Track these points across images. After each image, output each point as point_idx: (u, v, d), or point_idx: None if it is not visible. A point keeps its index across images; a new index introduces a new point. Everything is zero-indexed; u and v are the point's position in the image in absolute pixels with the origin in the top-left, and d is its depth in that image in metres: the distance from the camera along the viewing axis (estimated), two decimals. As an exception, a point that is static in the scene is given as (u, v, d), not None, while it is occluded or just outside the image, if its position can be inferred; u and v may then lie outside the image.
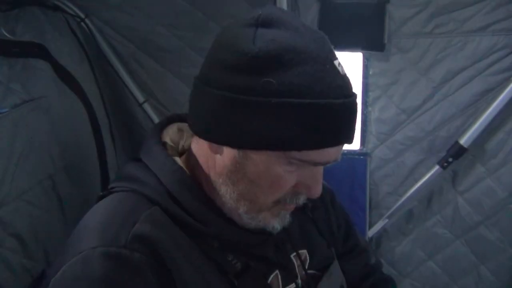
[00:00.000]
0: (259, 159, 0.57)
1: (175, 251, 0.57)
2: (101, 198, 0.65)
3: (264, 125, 0.53)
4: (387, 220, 1.56)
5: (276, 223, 0.63)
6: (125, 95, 1.57)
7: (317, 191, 0.61)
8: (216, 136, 0.58)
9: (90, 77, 1.39)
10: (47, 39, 1.19)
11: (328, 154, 0.57)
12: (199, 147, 0.65)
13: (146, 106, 1.57)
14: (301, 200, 0.63)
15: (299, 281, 0.71)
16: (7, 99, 0.99)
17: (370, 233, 1.58)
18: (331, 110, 0.54)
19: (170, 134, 0.70)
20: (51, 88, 1.17)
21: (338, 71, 0.56)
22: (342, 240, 0.87)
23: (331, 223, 0.84)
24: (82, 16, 1.40)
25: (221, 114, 0.56)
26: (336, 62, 0.56)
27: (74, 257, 0.53)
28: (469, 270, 1.49)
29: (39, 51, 1.15)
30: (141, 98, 1.56)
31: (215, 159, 0.61)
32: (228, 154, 0.59)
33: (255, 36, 0.55)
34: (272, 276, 0.67)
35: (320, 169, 0.61)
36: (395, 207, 1.53)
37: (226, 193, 0.61)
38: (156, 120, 1.58)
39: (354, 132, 0.59)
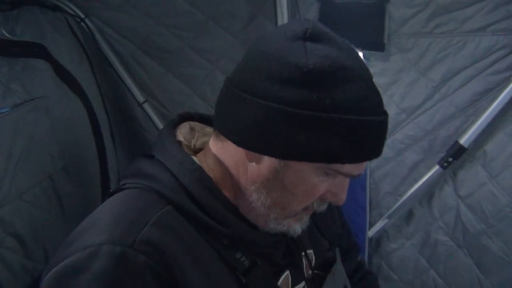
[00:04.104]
0: (299, 169, 0.58)
1: (184, 257, 0.57)
2: (111, 194, 0.65)
3: (313, 139, 0.55)
4: (387, 220, 1.56)
5: (297, 227, 0.65)
6: (125, 95, 1.57)
7: (342, 199, 0.64)
8: (258, 146, 0.58)
9: (90, 77, 1.39)
10: (47, 39, 1.19)
11: (362, 166, 0.61)
12: (226, 151, 0.64)
13: (146, 106, 1.58)
14: (325, 206, 0.66)
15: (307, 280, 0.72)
16: (7, 99, 0.99)
17: (370, 233, 1.58)
18: (373, 126, 0.57)
19: (183, 133, 0.70)
20: (51, 88, 1.17)
21: (376, 89, 0.58)
22: (346, 239, 0.89)
23: (336, 223, 0.86)
24: (82, 16, 1.41)
25: (267, 125, 0.56)
26: (374, 80, 0.59)
27: (79, 251, 0.53)
28: (472, 283, 1.45)
29: (39, 51, 1.15)
30: (141, 98, 1.57)
31: (247, 166, 0.61)
32: (267, 163, 0.59)
33: (307, 51, 0.55)
34: (283, 276, 0.68)
35: (348, 179, 0.63)
36: (395, 207, 1.52)
37: (258, 200, 0.61)
38: (156, 120, 1.59)
39: (383, 147, 0.62)
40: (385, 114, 0.59)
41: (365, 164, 0.61)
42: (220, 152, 0.65)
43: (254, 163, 0.60)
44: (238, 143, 0.60)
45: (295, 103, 0.54)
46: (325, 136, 0.55)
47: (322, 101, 0.54)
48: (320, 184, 0.60)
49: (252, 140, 0.58)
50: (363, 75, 0.57)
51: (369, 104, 0.56)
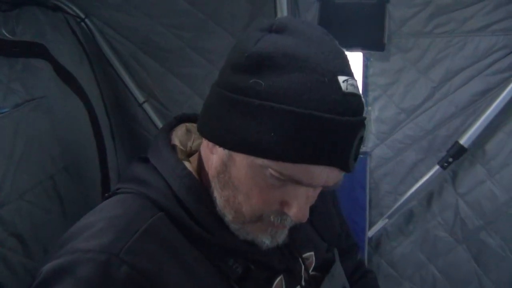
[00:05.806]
0: (241, 164, 0.55)
1: (174, 266, 0.57)
2: (106, 199, 0.65)
3: (245, 126, 0.52)
4: (387, 220, 1.56)
5: (265, 238, 0.61)
6: (125, 95, 1.57)
7: (298, 215, 0.56)
8: (209, 131, 0.59)
9: (90, 77, 1.39)
10: (47, 39, 1.19)
11: (313, 175, 0.52)
12: (204, 148, 0.65)
13: (146, 106, 1.58)
14: (288, 222, 0.59)
15: (303, 283, 0.71)
16: (8, 99, 0.99)
17: (370, 233, 1.58)
18: (317, 123, 0.49)
19: (179, 136, 0.70)
20: (52, 88, 1.17)
21: (339, 87, 0.51)
22: (345, 239, 0.88)
23: (335, 224, 0.85)
24: (82, 16, 1.41)
25: (213, 110, 0.57)
26: (340, 78, 0.51)
27: (68, 254, 0.54)
28: (471, 278, 1.47)
29: (39, 51, 1.15)
30: (141, 98, 1.57)
31: (212, 161, 0.61)
32: (219, 154, 0.58)
33: (261, 39, 0.54)
34: (276, 281, 0.67)
35: (306, 191, 0.56)
36: (395, 207, 1.53)
37: (216, 199, 0.60)
38: (156, 120, 1.59)
39: (348, 156, 0.52)
40: (344, 115, 0.50)
41: (327, 174, 0.53)
42: (202, 150, 0.65)
43: (215, 156, 0.60)
44: (198, 128, 0.61)
45: (234, 88, 0.54)
46: (257, 125, 0.51)
47: (257, 87, 0.51)
48: (268, 188, 0.55)
49: (205, 126, 0.59)
50: (321, 68, 0.51)
51: (316, 97, 0.49)
